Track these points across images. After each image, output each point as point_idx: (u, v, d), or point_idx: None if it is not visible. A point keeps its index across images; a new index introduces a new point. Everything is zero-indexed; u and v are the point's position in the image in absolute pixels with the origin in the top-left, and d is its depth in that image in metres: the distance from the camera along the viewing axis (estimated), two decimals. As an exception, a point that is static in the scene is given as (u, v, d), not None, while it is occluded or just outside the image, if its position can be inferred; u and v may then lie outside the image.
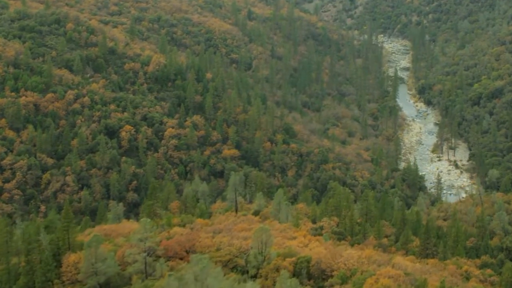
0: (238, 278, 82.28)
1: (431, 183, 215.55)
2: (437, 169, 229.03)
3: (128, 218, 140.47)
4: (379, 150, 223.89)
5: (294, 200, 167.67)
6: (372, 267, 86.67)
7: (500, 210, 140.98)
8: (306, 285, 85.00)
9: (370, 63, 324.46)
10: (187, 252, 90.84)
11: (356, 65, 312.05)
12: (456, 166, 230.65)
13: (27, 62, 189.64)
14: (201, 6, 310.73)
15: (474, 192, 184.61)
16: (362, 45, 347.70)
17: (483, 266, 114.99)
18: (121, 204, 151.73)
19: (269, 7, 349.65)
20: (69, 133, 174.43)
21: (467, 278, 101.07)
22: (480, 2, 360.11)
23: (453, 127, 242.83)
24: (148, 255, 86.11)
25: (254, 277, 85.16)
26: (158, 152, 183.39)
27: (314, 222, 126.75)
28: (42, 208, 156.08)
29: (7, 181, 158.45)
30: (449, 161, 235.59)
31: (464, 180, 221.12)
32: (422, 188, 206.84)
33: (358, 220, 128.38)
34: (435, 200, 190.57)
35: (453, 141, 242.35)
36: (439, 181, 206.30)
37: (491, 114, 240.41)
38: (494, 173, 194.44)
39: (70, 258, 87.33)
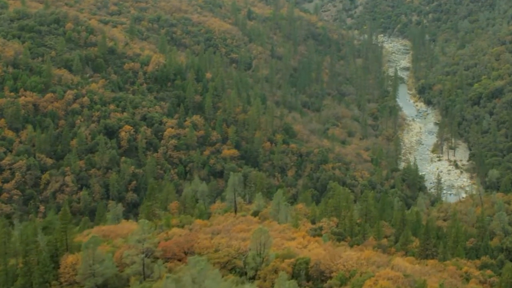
0: (236, 279, 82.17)
1: (431, 183, 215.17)
2: (437, 169, 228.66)
3: (127, 218, 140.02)
4: (379, 150, 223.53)
5: (293, 200, 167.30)
6: (371, 269, 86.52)
7: (500, 210, 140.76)
8: (304, 287, 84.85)
9: (370, 63, 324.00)
10: (186, 253, 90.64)
11: (356, 65, 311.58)
12: (456, 166, 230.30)
13: (26, 62, 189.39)
14: (200, 5, 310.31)
15: (474, 192, 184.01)
16: (362, 45, 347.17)
17: (483, 267, 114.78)
18: (120, 204, 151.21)
19: (269, 6, 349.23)
20: (68, 133, 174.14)
21: (467, 279, 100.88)
22: (480, 2, 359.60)
23: (453, 127, 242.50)
24: (146, 256, 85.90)
25: (253, 278, 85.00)
26: (157, 152, 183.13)
27: (313, 222, 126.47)
28: (41, 208, 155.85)
29: (6, 181, 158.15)
30: (449, 161, 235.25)
31: (464, 180, 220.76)
32: (422, 188, 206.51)
33: (358, 221, 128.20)
34: (435, 200, 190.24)
35: (453, 141, 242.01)
36: (439, 181, 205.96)
37: (491, 114, 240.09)
38: (494, 173, 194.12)
39: (68, 260, 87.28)
